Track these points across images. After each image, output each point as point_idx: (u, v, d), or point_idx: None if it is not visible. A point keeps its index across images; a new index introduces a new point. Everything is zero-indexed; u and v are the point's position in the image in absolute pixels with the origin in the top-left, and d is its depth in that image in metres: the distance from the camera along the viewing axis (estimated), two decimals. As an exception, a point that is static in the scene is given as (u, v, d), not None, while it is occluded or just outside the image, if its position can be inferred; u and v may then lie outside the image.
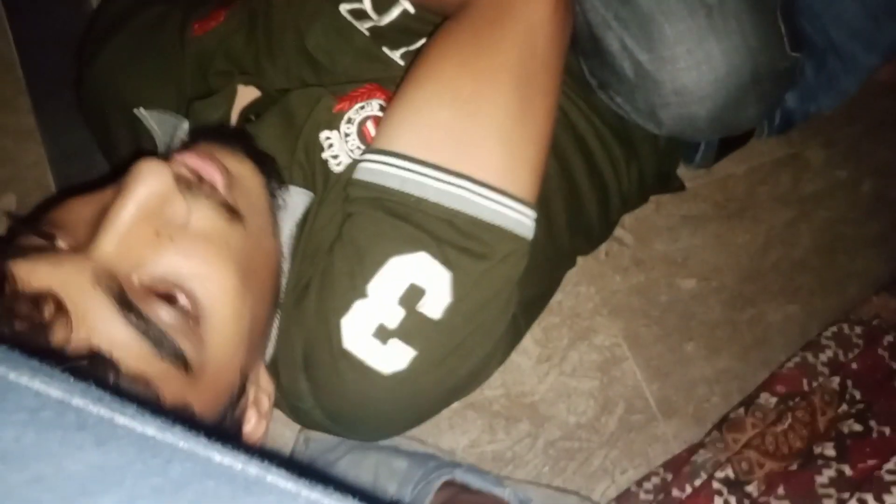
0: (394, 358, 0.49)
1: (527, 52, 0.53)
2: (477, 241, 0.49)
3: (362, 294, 0.49)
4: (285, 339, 0.53)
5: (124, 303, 0.40)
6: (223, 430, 0.47)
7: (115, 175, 0.45)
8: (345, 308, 0.49)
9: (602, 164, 0.67)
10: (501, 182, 0.50)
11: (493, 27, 0.53)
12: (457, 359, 0.51)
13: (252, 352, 0.49)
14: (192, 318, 0.43)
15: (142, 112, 0.63)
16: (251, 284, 0.47)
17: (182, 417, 0.21)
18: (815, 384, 0.86)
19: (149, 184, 0.43)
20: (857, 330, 0.90)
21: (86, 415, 0.18)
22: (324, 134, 0.56)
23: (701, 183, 1.02)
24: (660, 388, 0.92)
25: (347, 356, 0.49)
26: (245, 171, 0.51)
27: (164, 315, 0.42)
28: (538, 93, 0.53)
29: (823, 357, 0.88)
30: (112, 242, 0.41)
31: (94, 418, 0.18)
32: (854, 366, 0.84)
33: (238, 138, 0.54)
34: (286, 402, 0.55)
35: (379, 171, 0.50)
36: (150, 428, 0.19)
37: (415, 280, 0.48)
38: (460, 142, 0.50)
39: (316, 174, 0.55)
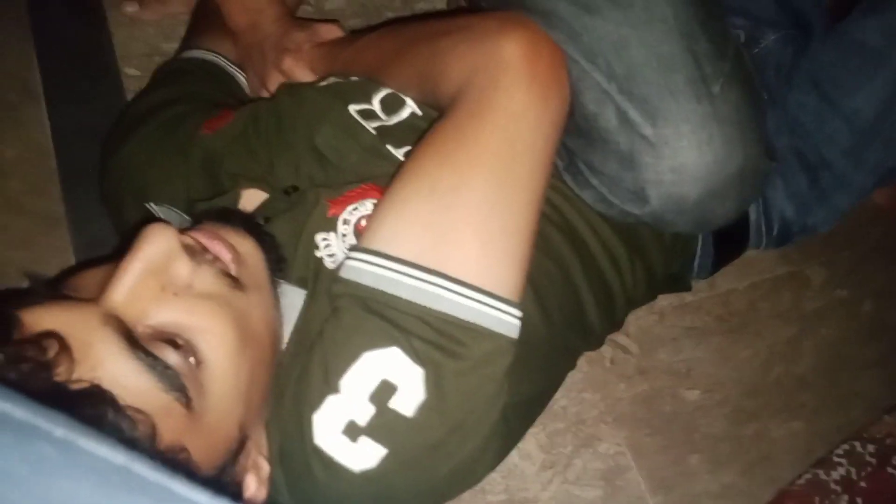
0: (363, 456, 0.49)
1: (506, 143, 0.53)
2: (451, 339, 0.49)
3: (335, 389, 0.49)
4: (266, 432, 0.53)
5: (131, 339, 0.43)
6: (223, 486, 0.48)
7: (124, 247, 0.48)
8: (317, 403, 0.50)
9: (602, 264, 0.68)
10: (479, 279, 0.51)
11: (473, 119, 0.54)
12: (434, 459, 0.51)
13: (251, 411, 0.50)
14: (194, 364, 0.46)
15: (152, 206, 0.67)
16: (251, 344, 0.49)
17: (226, 491, 0.23)
18: (826, 502, 0.85)
19: (156, 243, 0.46)
20: (870, 448, 0.90)
21: (145, 481, 0.19)
22: (320, 236, 0.58)
23: (703, 296, 1.04)
24: (664, 500, 0.91)
25: (318, 452, 0.49)
26: (247, 249, 0.54)
27: (168, 356, 0.44)
28: (520, 183, 0.53)
29: (835, 475, 0.87)
30: (120, 293, 0.45)
31: (154, 485, 0.19)
32: (863, 484, 0.84)
33: (238, 217, 0.57)
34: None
35: (357, 269, 0.52)
36: (202, 497, 0.20)
37: (386, 376, 0.49)
38: (437, 237, 0.51)
39: (309, 273, 0.57)
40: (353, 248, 0.54)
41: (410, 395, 0.49)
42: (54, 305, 0.43)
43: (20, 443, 0.19)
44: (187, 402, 0.44)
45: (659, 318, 1.02)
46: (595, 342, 0.75)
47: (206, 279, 0.49)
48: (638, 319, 0.99)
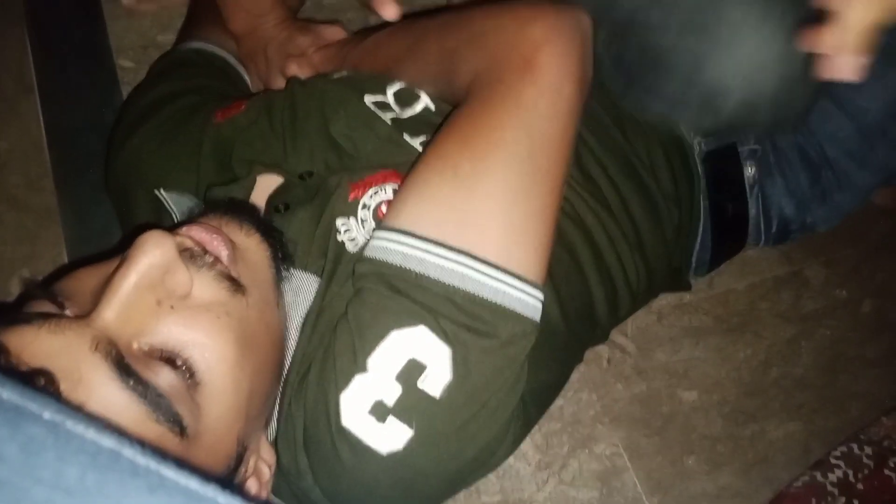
0: (391, 437, 0.48)
1: (523, 132, 0.54)
2: (477, 319, 0.49)
3: (362, 369, 0.49)
4: (287, 416, 0.53)
5: (122, 367, 0.41)
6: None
7: (122, 247, 0.47)
8: (344, 383, 0.49)
9: (608, 257, 0.68)
10: (503, 260, 0.51)
11: (487, 109, 0.55)
12: (459, 441, 0.50)
13: (251, 422, 0.49)
14: (191, 384, 0.44)
15: (162, 193, 0.66)
16: (251, 355, 0.48)
17: (214, 476, 0.22)
18: (823, 504, 0.84)
19: (151, 255, 0.44)
20: (868, 450, 0.90)
21: (135, 464, 0.19)
22: (340, 220, 0.58)
23: (702, 296, 1.03)
24: (660, 501, 0.90)
25: (345, 433, 0.49)
26: (251, 244, 0.52)
27: (163, 378, 0.42)
28: (540, 171, 0.54)
29: (833, 477, 0.87)
30: (113, 310, 0.43)
31: (143, 468, 0.19)
32: (860, 487, 0.83)
33: (246, 210, 0.56)
34: (286, 482, 0.54)
35: (383, 248, 0.52)
36: (192, 482, 0.19)
37: (414, 355, 0.49)
38: (462, 219, 0.51)
39: (329, 256, 0.57)
40: (378, 228, 0.53)
41: (438, 375, 0.49)
42: (42, 327, 0.41)
43: (9, 424, 0.19)
44: (181, 431, 0.42)
45: (657, 318, 1.01)
46: (601, 335, 0.76)
47: (205, 285, 0.47)
48: (636, 319, 0.99)
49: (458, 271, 0.50)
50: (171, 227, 0.49)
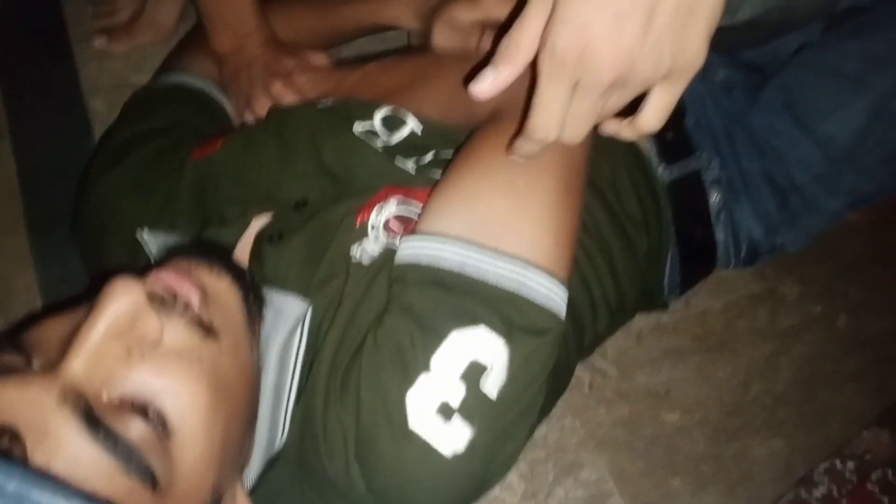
0: (454, 437, 0.49)
1: (566, 158, 0.57)
2: (531, 321, 0.51)
3: (425, 367, 0.49)
4: (327, 426, 0.52)
5: (91, 419, 0.40)
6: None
7: (90, 293, 0.46)
8: (408, 382, 0.49)
9: (587, 271, 0.69)
10: (552, 268, 0.53)
11: None
12: (504, 442, 0.51)
13: (226, 468, 0.48)
14: (163, 434, 0.43)
15: (143, 234, 0.64)
16: (224, 401, 0.47)
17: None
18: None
19: (119, 302, 0.43)
20: (850, 465, 0.90)
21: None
22: (353, 247, 0.59)
23: (680, 317, 1.04)
24: (647, 525, 0.90)
25: (411, 435, 0.48)
26: (221, 287, 0.52)
27: (134, 429, 0.42)
28: (575, 185, 0.57)
29: (817, 493, 0.88)
30: (81, 361, 0.42)
31: (111, 539, 0.19)
32: (845, 502, 0.84)
33: (215, 253, 0.55)
34: (333, 494, 0.53)
35: (437, 256, 0.52)
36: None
37: (476, 355, 0.50)
38: (515, 229, 0.53)
39: (345, 277, 0.57)
40: (423, 235, 0.54)
41: (497, 376, 0.50)
42: (7, 382, 0.40)
43: (-28, 499, 0.19)
44: (153, 483, 0.41)
45: (636, 340, 1.02)
46: (588, 344, 0.77)
47: (177, 331, 0.46)
48: (615, 342, 0.99)
49: (514, 278, 0.51)
50: (142, 271, 0.48)
